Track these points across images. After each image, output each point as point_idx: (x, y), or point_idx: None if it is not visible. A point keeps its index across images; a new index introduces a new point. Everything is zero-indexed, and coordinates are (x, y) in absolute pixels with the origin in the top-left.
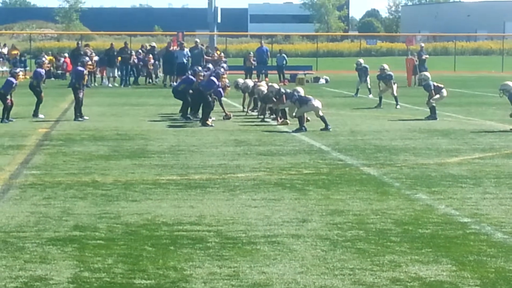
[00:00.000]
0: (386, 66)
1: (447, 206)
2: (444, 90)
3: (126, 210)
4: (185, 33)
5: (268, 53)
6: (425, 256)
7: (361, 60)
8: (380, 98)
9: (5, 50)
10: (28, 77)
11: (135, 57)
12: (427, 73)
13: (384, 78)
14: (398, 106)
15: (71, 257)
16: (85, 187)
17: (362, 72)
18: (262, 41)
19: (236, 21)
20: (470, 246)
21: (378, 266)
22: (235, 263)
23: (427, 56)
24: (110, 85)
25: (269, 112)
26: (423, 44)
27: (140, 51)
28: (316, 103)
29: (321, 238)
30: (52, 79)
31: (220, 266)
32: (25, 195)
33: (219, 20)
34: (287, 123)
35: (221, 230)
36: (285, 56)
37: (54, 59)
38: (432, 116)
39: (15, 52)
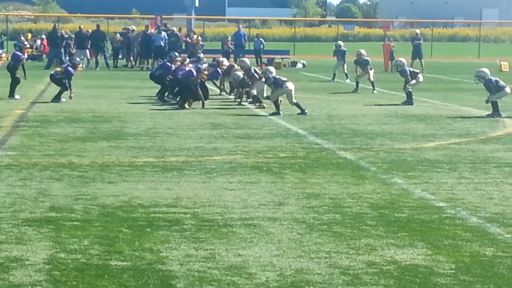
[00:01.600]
0: (363, 51)
1: (423, 191)
2: (420, 76)
3: (102, 192)
4: (163, 16)
5: (246, 37)
6: (401, 240)
7: (341, 43)
8: (357, 83)
9: None
10: (4, 58)
11: (120, 38)
12: (403, 59)
13: (361, 63)
14: (375, 91)
15: (47, 238)
16: (61, 168)
17: (340, 55)
18: (240, 25)
19: (214, 5)
20: (446, 231)
21: (354, 250)
22: (211, 245)
23: (420, 42)
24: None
25: (245, 96)
26: (418, 31)
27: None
28: (290, 85)
29: (297, 221)
30: (29, 60)
31: (196, 248)
32: (0, 176)
33: (197, 4)
34: (263, 107)
35: (197, 213)
36: (262, 40)
37: (30, 36)
38: (409, 101)
39: None
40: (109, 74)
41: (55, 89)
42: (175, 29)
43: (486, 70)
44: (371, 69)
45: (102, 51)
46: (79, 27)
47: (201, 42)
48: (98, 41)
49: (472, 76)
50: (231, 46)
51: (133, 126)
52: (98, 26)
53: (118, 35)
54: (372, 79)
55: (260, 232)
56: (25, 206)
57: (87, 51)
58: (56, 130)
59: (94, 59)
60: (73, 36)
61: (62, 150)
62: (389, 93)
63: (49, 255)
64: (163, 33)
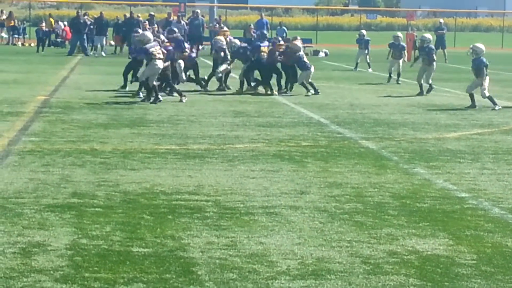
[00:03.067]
0: (400, 34)
1: (445, 181)
2: (434, 63)
3: (124, 179)
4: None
5: (268, 26)
6: (422, 230)
7: (364, 32)
8: (390, 74)
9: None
10: (27, 44)
11: (148, 26)
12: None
13: (397, 47)
14: (399, 82)
15: (69, 224)
16: (83, 155)
17: (363, 43)
18: (262, 14)
19: None
20: (467, 221)
21: (375, 239)
22: (232, 233)
23: (444, 31)
24: (103, 53)
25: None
26: (441, 20)
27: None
28: (312, 68)
29: (319, 210)
30: (52, 47)
31: (217, 236)
32: (23, 161)
33: None
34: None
35: (219, 200)
36: (285, 28)
37: (53, 22)
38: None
39: (12, 23)
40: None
41: (78, 75)
42: (199, 12)
43: (482, 47)
44: (403, 57)
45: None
46: (100, 13)
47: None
48: (132, 27)
49: (495, 66)
50: (253, 34)
51: (155, 113)
52: (131, 13)
53: (146, 22)
54: (400, 69)
55: (281, 220)
56: (48, 192)
57: (104, 38)
58: (78, 117)
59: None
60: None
61: (84, 137)
62: (412, 83)
63: (71, 241)
64: (183, 22)
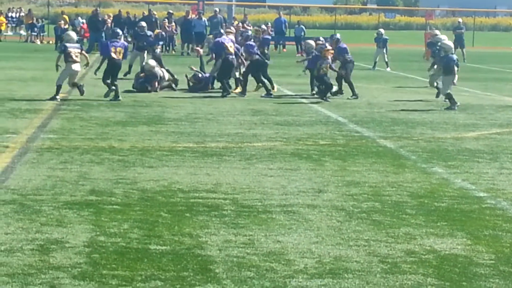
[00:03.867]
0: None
1: (463, 180)
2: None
3: (142, 176)
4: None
5: (286, 24)
6: (440, 229)
7: (382, 31)
8: (438, 89)
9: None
10: (45, 42)
11: (168, 24)
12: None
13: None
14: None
15: (87, 221)
16: (101, 152)
17: (381, 42)
18: (281, 12)
19: None
20: (486, 221)
21: (393, 238)
22: (250, 231)
23: (462, 31)
24: None
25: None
26: (460, 20)
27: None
28: None
29: (336, 209)
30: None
31: (235, 234)
32: (42, 158)
33: None
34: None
35: (237, 198)
36: (303, 27)
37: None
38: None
39: (30, 20)
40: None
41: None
42: (217, 10)
43: (451, 44)
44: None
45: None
46: (119, 11)
47: (242, 28)
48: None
49: None
50: (271, 33)
51: (173, 111)
52: (150, 11)
53: (166, 20)
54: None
55: (299, 219)
56: (66, 189)
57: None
58: (96, 114)
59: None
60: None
61: (102, 134)
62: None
63: (89, 238)
64: (204, 19)
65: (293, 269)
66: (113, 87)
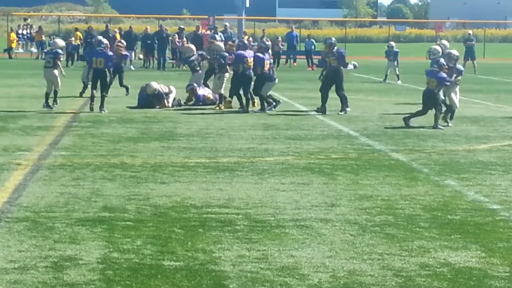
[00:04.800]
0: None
1: (476, 193)
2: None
3: (155, 192)
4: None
5: (298, 39)
6: (454, 242)
7: (393, 44)
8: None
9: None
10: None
11: (178, 39)
12: (438, 47)
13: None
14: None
15: (100, 237)
16: (114, 168)
17: (392, 55)
18: (293, 26)
19: (264, 5)
20: (500, 233)
21: (407, 252)
22: (263, 246)
23: (473, 42)
24: (132, 67)
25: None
26: (470, 31)
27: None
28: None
29: (349, 223)
30: (80, 61)
31: (248, 249)
32: (54, 175)
33: (247, 5)
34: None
35: (249, 213)
36: (313, 41)
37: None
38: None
39: (40, 37)
40: (159, 74)
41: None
42: (227, 24)
43: (439, 48)
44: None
45: (163, 52)
46: (130, 27)
47: (252, 43)
48: (160, 41)
49: None
50: (281, 47)
51: (184, 127)
52: (161, 26)
53: (176, 35)
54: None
55: (312, 233)
56: (79, 206)
57: (133, 52)
58: (108, 131)
59: (157, 59)
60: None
61: (114, 150)
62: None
63: (102, 255)
64: (219, 33)
65: (307, 283)
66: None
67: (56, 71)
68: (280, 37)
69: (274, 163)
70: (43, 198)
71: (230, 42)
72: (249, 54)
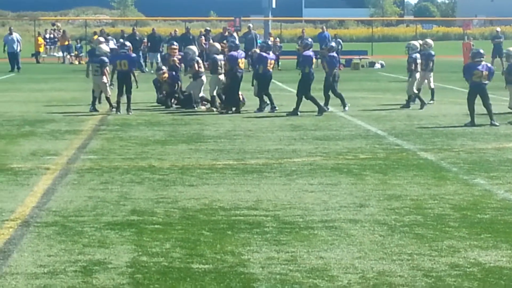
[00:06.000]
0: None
1: (506, 191)
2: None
3: (183, 195)
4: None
5: (330, 38)
6: (484, 242)
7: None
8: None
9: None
10: (83, 62)
11: (204, 41)
12: (415, 42)
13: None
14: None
15: (129, 241)
16: (142, 171)
17: None
18: (324, 26)
19: (290, 6)
20: None
21: (437, 252)
22: (292, 247)
23: (501, 40)
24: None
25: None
26: (498, 29)
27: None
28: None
29: (378, 223)
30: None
31: (277, 251)
32: (82, 179)
33: (274, 6)
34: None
35: (278, 215)
36: (340, 41)
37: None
38: (407, 104)
39: (66, 42)
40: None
41: (135, 92)
42: (251, 25)
43: (417, 44)
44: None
45: None
46: (152, 30)
47: (278, 44)
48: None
49: None
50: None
51: (212, 129)
52: (187, 29)
53: (203, 37)
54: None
55: (341, 234)
56: (107, 210)
57: (158, 54)
58: (136, 134)
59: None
60: (145, 39)
61: (142, 154)
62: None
63: (131, 259)
64: (234, 35)
65: (336, 285)
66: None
67: (104, 78)
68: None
69: (302, 164)
70: (72, 202)
71: (222, 44)
72: (239, 54)
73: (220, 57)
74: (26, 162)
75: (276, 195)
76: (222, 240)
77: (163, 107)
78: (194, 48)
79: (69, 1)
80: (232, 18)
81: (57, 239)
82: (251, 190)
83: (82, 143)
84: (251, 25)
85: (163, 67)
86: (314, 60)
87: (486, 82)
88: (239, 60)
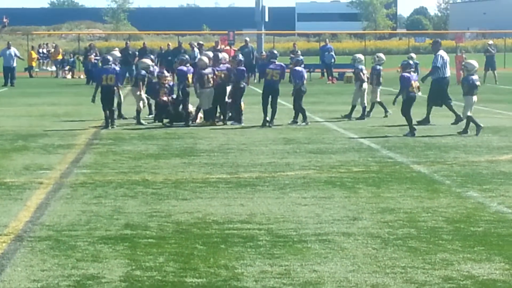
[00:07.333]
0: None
1: (499, 204)
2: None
3: (176, 209)
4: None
5: (333, 52)
6: (478, 254)
7: (413, 55)
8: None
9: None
10: (76, 76)
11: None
12: (381, 55)
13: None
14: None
15: (122, 255)
16: (135, 185)
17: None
18: (327, 40)
19: (283, 19)
20: None
21: (430, 265)
22: (286, 261)
23: (493, 53)
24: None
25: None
26: (491, 42)
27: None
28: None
29: (372, 236)
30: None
31: (271, 265)
32: (76, 194)
33: (266, 19)
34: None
35: (271, 229)
36: (333, 54)
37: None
38: (367, 114)
39: (59, 56)
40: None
41: (127, 106)
42: (248, 39)
43: (361, 56)
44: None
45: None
46: (143, 44)
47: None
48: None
49: None
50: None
51: (205, 143)
52: (179, 43)
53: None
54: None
55: (334, 247)
56: (100, 224)
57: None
58: (129, 148)
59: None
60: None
61: (135, 167)
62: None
63: (125, 273)
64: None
65: None
66: (110, 116)
67: (138, 91)
68: (299, 51)
69: (295, 177)
70: (65, 217)
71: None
72: (189, 70)
73: (207, 71)
74: (19, 176)
75: (269, 209)
76: (216, 254)
77: (156, 122)
78: (148, 61)
79: (62, 15)
80: (226, 32)
81: (50, 254)
82: (245, 204)
83: (75, 157)
84: (247, 39)
85: (165, 71)
86: (305, 75)
87: (419, 93)
88: (188, 75)
